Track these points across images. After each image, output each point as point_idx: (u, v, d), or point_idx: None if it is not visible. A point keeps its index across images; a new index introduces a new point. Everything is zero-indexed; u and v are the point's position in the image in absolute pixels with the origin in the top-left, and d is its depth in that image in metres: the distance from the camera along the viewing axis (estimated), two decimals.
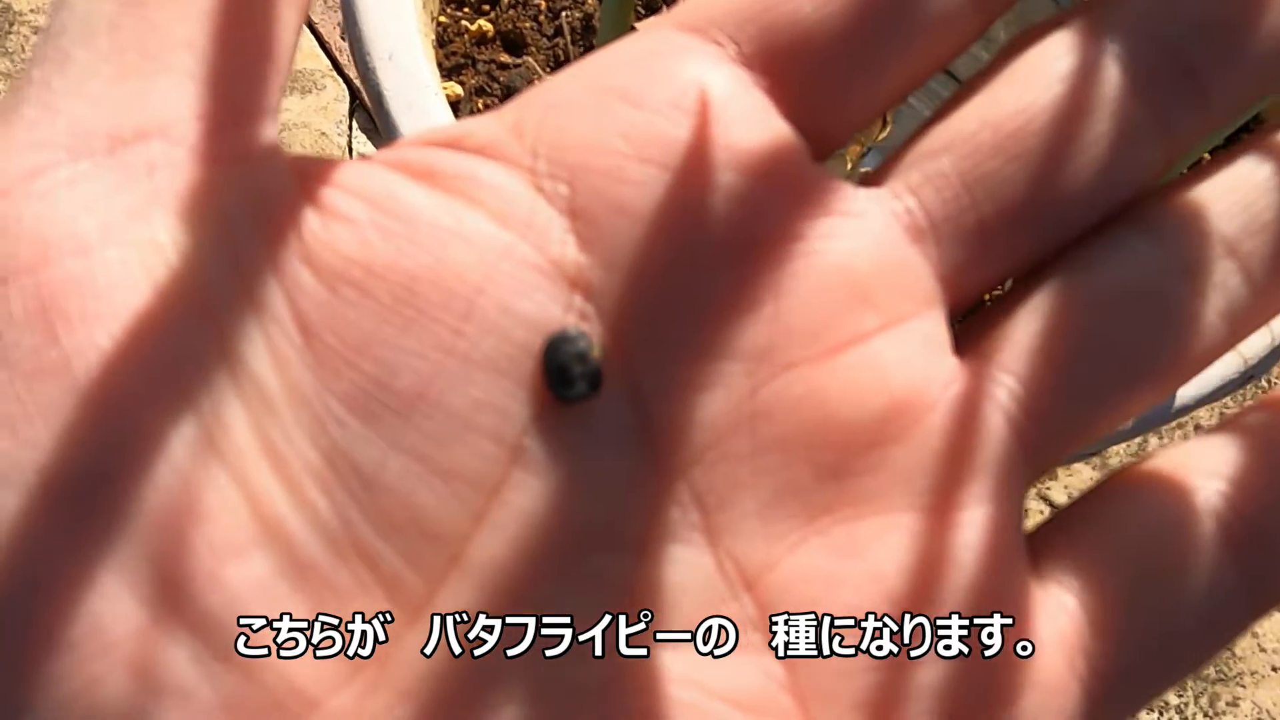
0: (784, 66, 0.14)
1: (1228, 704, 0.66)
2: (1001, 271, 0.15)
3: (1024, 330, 0.15)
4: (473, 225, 0.13)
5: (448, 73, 0.43)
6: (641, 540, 0.13)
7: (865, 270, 0.14)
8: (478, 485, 0.13)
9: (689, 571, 0.13)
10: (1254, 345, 0.34)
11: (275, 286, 0.13)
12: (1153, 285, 0.15)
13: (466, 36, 0.44)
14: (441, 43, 0.43)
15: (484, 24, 0.44)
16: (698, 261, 0.14)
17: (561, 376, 0.13)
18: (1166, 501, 0.15)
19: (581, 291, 0.13)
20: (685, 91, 0.14)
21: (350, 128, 0.76)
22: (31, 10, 0.71)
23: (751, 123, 0.14)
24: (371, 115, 0.38)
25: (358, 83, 0.76)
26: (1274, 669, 0.67)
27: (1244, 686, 0.66)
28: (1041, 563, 0.15)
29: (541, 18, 0.44)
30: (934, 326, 0.14)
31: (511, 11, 0.44)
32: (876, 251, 0.14)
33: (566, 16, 0.44)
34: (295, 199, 0.13)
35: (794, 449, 0.14)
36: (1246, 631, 0.15)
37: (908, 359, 0.14)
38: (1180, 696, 0.66)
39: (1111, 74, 0.14)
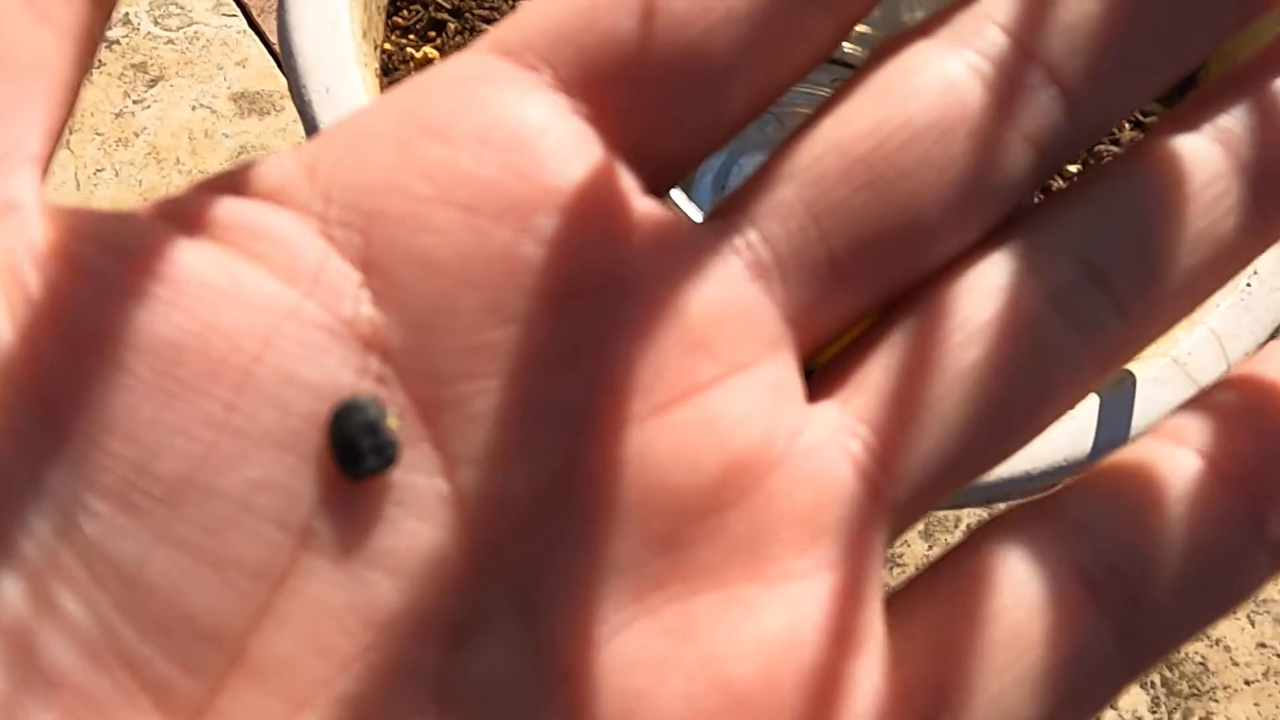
0: (606, 91, 0.13)
1: (1200, 719, 0.65)
2: (859, 308, 0.14)
3: (881, 372, 0.13)
4: (252, 284, 0.12)
5: None
6: (450, 629, 0.12)
7: (701, 314, 0.13)
8: (259, 575, 0.12)
9: (504, 664, 0.12)
10: (1207, 373, 0.34)
11: (15, 360, 0.11)
12: (1019, 317, 0.13)
13: (412, 64, 0.43)
14: (386, 70, 0.42)
15: (430, 51, 0.43)
16: (510, 314, 0.12)
17: (348, 450, 0.12)
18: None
19: (378, 353, 0.12)
20: (494, 124, 0.13)
21: None
22: None
23: (569, 155, 0.13)
24: None
25: None
26: (1247, 683, 0.67)
27: (1217, 701, 0.66)
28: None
29: None
30: (781, 373, 0.13)
31: (458, 39, 0.43)
32: (714, 293, 0.13)
33: None
34: (44, 259, 0.12)
35: (619, 519, 0.12)
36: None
37: (748, 412, 0.13)
38: (1154, 713, 0.65)
39: (973, 89, 0.13)
